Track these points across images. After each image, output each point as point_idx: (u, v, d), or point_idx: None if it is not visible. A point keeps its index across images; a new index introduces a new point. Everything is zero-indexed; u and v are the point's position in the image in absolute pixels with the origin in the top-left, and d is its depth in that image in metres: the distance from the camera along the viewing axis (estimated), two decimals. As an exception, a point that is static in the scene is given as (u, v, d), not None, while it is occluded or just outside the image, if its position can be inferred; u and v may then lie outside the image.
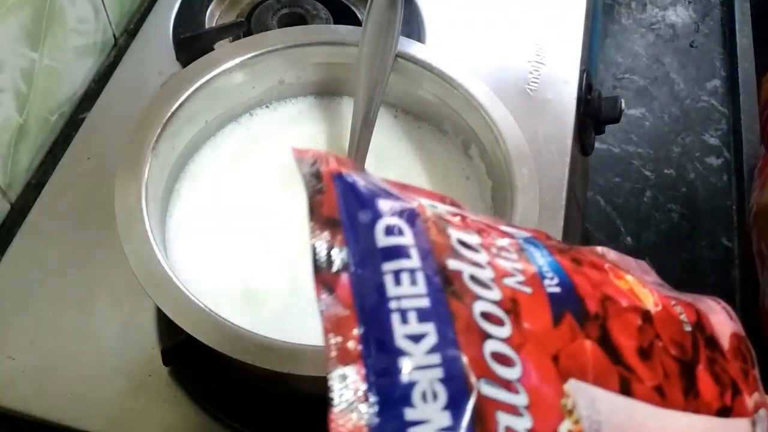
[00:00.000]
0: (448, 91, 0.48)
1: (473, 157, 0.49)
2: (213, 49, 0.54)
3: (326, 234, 0.21)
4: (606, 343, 0.23)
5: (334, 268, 0.20)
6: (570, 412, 0.20)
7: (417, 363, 0.19)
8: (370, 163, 0.49)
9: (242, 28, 0.61)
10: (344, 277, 0.20)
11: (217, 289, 0.44)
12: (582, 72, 0.61)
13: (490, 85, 0.48)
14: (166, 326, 0.48)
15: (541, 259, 0.24)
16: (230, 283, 0.44)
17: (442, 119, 0.51)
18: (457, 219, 0.24)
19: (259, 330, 0.37)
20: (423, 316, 0.20)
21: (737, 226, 0.74)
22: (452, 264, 0.22)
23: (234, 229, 0.46)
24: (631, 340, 0.24)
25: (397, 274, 0.21)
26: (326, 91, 0.53)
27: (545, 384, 0.20)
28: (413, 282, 0.20)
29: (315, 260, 0.20)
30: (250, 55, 0.48)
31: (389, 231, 0.21)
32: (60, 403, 0.45)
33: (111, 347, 0.47)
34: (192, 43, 0.59)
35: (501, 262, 0.23)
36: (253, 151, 0.50)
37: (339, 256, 0.20)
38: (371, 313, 0.20)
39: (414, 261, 0.21)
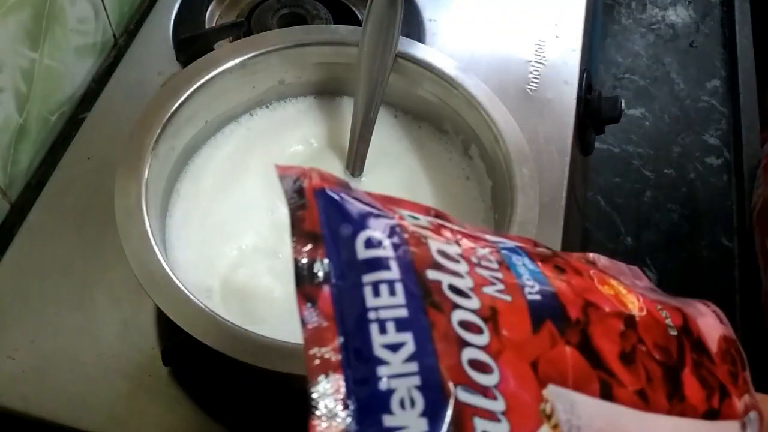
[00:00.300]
0: (448, 91, 0.48)
1: (473, 157, 0.49)
2: (213, 49, 0.54)
3: (308, 248, 0.22)
4: (587, 348, 0.23)
5: (316, 281, 0.21)
6: (548, 417, 0.21)
7: (395, 371, 0.20)
8: (370, 163, 0.49)
9: (242, 28, 0.61)
10: (325, 290, 0.21)
11: (216, 288, 0.44)
12: (582, 72, 0.61)
13: (490, 85, 0.48)
14: (166, 326, 0.48)
15: (522, 268, 0.25)
16: (230, 282, 0.44)
17: (442, 119, 0.51)
18: (439, 230, 0.25)
19: (259, 330, 0.37)
20: (401, 325, 0.20)
21: (737, 226, 0.74)
22: (431, 274, 0.22)
23: (234, 229, 0.46)
24: (613, 345, 0.24)
25: (376, 285, 0.21)
26: (326, 91, 0.53)
27: (523, 390, 0.21)
28: (392, 293, 0.21)
29: (297, 273, 0.21)
30: (250, 55, 0.48)
31: (369, 244, 0.22)
32: (60, 403, 0.45)
33: (111, 347, 0.47)
34: (192, 43, 0.59)
35: (481, 272, 0.24)
36: (253, 151, 0.50)
37: (320, 269, 0.21)
38: (351, 323, 0.20)
39: (393, 272, 0.22)
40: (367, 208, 0.24)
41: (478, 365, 0.21)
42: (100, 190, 0.51)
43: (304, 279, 0.21)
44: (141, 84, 0.59)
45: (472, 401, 0.20)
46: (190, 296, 0.38)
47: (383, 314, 0.21)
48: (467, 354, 0.21)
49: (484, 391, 0.20)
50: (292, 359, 0.36)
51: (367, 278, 0.21)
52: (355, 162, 0.49)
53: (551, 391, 0.21)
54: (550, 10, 0.65)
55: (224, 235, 0.46)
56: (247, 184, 0.48)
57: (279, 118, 0.52)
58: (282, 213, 0.47)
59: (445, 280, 0.22)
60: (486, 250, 0.25)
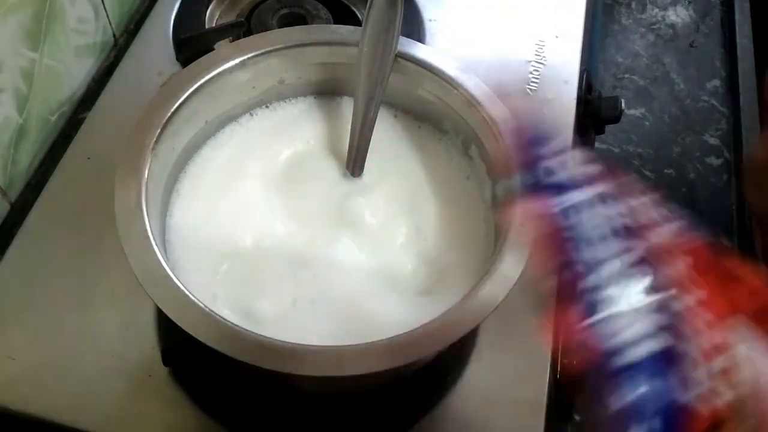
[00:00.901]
0: (448, 91, 0.48)
1: (473, 157, 0.49)
2: (213, 49, 0.54)
3: None
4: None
5: None
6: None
7: None
8: (370, 163, 0.49)
9: (242, 28, 0.61)
10: None
11: (217, 288, 0.44)
12: (582, 72, 0.61)
13: (490, 85, 0.48)
14: (166, 326, 0.48)
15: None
16: (230, 282, 0.44)
17: (442, 119, 0.51)
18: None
19: (260, 330, 0.37)
20: None
21: (737, 226, 0.74)
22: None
23: (234, 229, 0.46)
24: None
25: None
26: (326, 91, 0.53)
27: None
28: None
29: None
30: (250, 55, 0.48)
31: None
32: (60, 403, 0.45)
33: (111, 347, 0.47)
34: (192, 43, 0.59)
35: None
36: (253, 151, 0.50)
37: None
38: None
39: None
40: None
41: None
42: (100, 190, 0.51)
43: None
44: (141, 84, 0.59)
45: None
46: (190, 296, 0.38)
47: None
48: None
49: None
50: (292, 359, 0.36)
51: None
52: (355, 162, 0.49)
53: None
54: (550, 10, 0.65)
55: (224, 235, 0.46)
56: (247, 184, 0.48)
57: (279, 118, 0.52)
58: (282, 212, 0.47)
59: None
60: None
